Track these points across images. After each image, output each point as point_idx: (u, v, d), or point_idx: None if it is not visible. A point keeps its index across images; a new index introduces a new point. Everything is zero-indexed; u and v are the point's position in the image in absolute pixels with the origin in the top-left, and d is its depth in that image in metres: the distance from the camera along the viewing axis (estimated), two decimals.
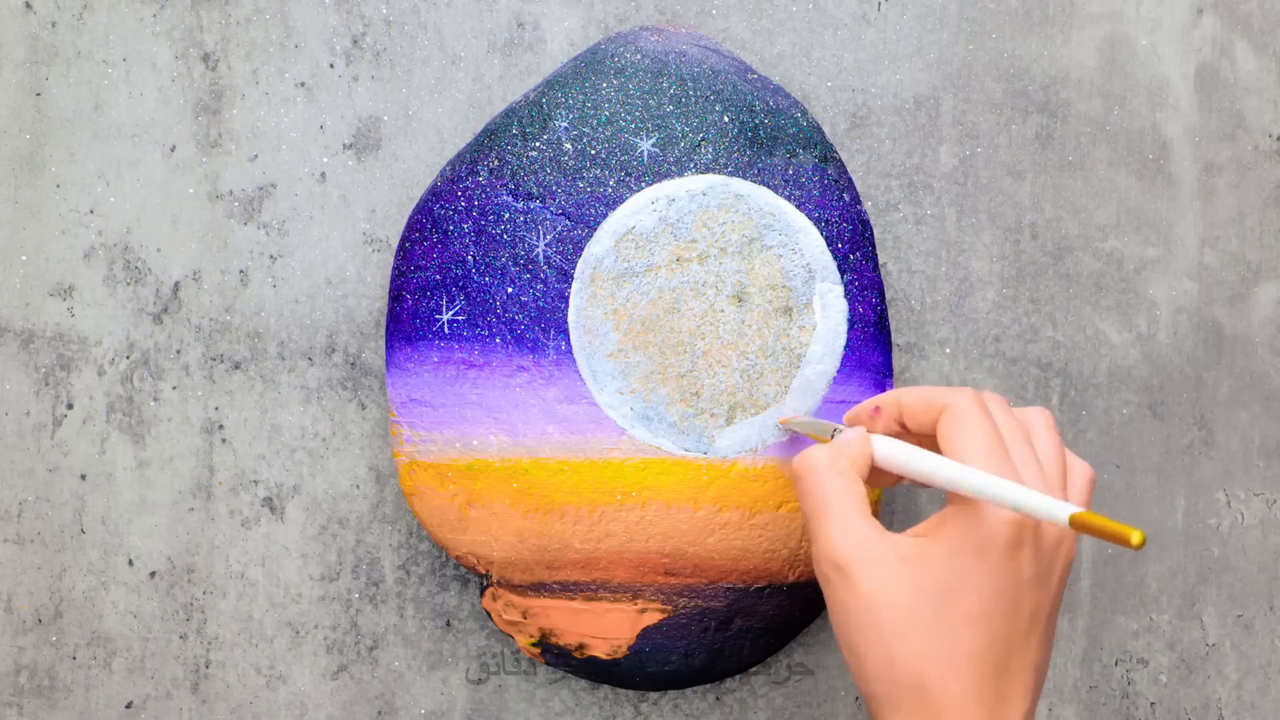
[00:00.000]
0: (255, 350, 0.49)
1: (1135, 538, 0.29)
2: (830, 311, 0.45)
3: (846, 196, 0.46)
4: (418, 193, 0.49)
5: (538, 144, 0.45)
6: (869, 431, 0.39)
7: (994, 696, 0.35)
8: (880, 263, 0.49)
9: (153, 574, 0.49)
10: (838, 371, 0.45)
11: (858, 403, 0.46)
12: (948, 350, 0.50)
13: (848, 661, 0.36)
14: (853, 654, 0.36)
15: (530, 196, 0.45)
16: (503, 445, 0.45)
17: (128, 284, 0.49)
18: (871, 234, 0.46)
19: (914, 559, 0.35)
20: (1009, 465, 0.35)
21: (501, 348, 0.45)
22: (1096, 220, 0.50)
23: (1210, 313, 0.50)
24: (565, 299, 0.45)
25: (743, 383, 0.45)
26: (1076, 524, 0.31)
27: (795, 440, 0.45)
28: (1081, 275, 0.50)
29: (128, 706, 0.49)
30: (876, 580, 0.35)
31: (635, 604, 0.45)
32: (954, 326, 0.50)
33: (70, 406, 0.49)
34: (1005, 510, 0.34)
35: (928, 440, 0.38)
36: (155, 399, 0.49)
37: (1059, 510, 0.31)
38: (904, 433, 0.39)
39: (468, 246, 0.45)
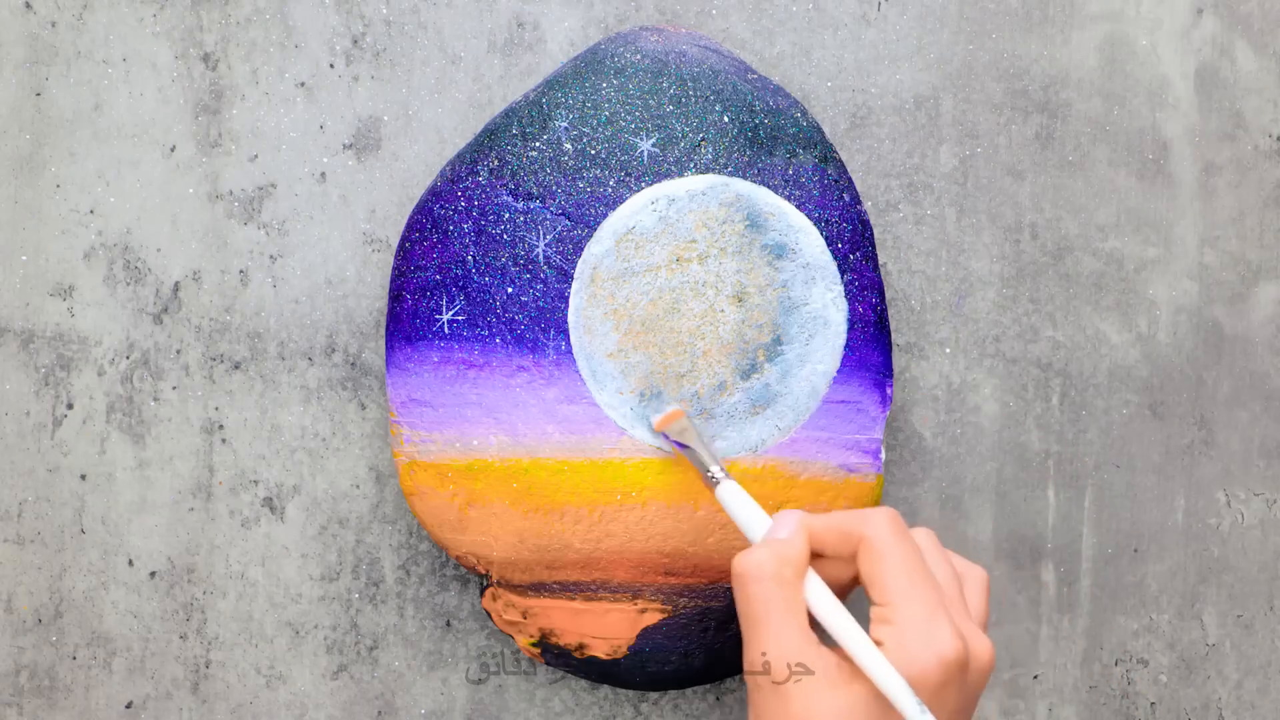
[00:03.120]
0: (255, 350, 0.49)
1: None
2: (830, 312, 0.45)
3: (846, 196, 0.46)
4: (418, 193, 0.49)
5: (538, 144, 0.45)
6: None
7: None
8: (880, 263, 0.49)
9: (153, 574, 0.49)
10: (838, 371, 0.45)
11: (857, 403, 0.46)
12: (948, 350, 0.50)
13: None
14: None
15: (530, 196, 0.45)
16: (503, 445, 0.45)
17: (128, 284, 0.49)
18: (871, 234, 0.46)
19: (845, 684, 0.36)
20: (935, 592, 0.36)
21: (501, 348, 0.45)
22: (1096, 220, 0.50)
23: (1210, 313, 0.50)
24: (565, 299, 0.45)
25: (742, 383, 0.45)
26: None
27: (796, 441, 0.45)
28: (1081, 275, 0.50)
29: (128, 706, 0.49)
30: (811, 700, 0.35)
31: (635, 604, 0.45)
32: (954, 326, 0.50)
33: (70, 406, 0.49)
34: (938, 646, 0.35)
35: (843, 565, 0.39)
36: (155, 399, 0.49)
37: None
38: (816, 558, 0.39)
39: (468, 246, 0.45)
